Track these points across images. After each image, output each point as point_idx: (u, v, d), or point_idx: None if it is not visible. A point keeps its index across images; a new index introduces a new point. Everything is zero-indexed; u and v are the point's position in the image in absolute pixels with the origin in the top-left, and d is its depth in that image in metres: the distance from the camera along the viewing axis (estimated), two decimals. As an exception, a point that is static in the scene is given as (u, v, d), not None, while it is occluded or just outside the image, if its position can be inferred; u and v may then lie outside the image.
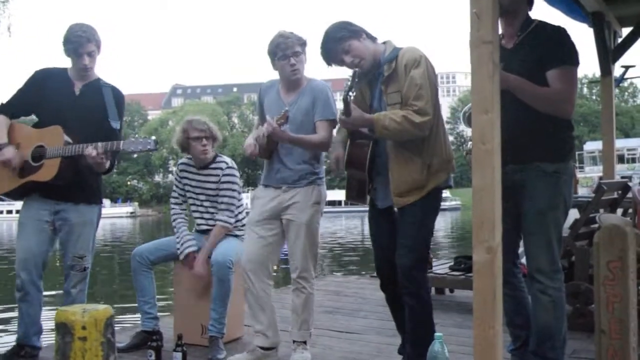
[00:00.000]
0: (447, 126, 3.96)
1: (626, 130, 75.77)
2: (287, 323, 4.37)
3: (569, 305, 4.68)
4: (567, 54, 3.36)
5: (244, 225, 4.67)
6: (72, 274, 4.31)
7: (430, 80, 3.56)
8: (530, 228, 3.44)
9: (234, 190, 4.73)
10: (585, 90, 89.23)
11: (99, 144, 4.00)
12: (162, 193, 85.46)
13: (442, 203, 3.90)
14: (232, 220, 4.67)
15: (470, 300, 3.02)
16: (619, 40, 6.26)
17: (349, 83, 3.55)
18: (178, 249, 4.68)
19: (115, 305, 3.25)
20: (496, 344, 2.79)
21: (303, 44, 4.10)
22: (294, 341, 4.19)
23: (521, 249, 3.66)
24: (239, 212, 4.77)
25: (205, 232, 4.80)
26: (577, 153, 63.38)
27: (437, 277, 6.08)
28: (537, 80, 3.31)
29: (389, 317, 4.14)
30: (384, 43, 3.77)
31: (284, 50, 4.02)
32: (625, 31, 6.27)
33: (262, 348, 4.18)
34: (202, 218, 4.82)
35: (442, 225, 34.73)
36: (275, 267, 4.39)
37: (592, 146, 60.19)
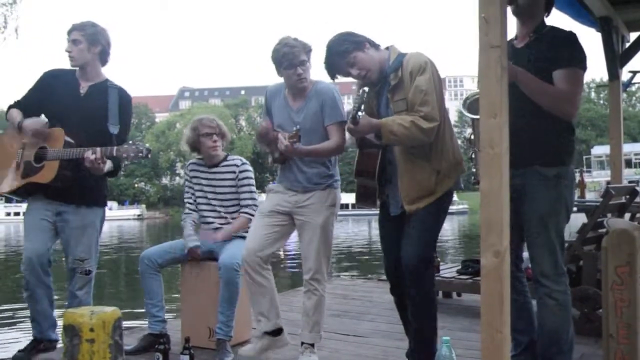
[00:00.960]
0: (455, 129, 3.95)
1: (634, 135, 75.56)
2: (297, 326, 4.37)
3: (577, 309, 4.67)
4: (576, 57, 3.37)
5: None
6: (76, 276, 4.35)
7: (436, 85, 3.56)
8: (532, 232, 3.45)
9: (252, 185, 4.81)
10: (592, 94, 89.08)
11: (98, 149, 4.03)
12: (169, 196, 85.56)
13: (450, 207, 3.90)
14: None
15: (477, 304, 3.02)
16: (627, 44, 6.26)
17: (357, 99, 3.52)
18: (184, 260, 4.75)
19: (123, 308, 3.25)
20: (504, 348, 2.79)
21: (309, 51, 4.08)
22: (302, 343, 4.19)
23: (527, 254, 3.66)
24: None
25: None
26: (584, 157, 63.58)
27: (445, 280, 6.07)
28: (543, 79, 3.32)
29: (396, 320, 4.14)
30: (387, 48, 3.75)
31: (291, 60, 3.99)
32: (633, 36, 6.27)
33: (267, 333, 4.17)
34: (209, 217, 4.83)
35: (450, 228, 34.70)
36: (281, 255, 4.40)
37: (600, 150, 60.07)
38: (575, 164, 3.74)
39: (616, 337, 3.13)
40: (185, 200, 4.96)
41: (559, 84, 3.31)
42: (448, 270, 6.53)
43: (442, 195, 3.64)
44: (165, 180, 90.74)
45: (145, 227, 54.79)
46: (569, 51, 3.36)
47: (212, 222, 4.80)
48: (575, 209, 6.40)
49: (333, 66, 3.69)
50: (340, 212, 4.27)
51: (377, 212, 3.97)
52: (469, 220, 46.77)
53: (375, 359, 4.45)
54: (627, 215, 5.54)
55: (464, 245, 24.90)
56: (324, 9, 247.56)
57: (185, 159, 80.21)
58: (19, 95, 4.50)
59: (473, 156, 3.49)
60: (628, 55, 6.23)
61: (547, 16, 3.56)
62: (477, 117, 3.22)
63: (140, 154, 4.01)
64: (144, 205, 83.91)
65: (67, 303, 4.40)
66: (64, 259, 4.42)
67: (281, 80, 4.18)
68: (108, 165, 4.21)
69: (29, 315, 4.46)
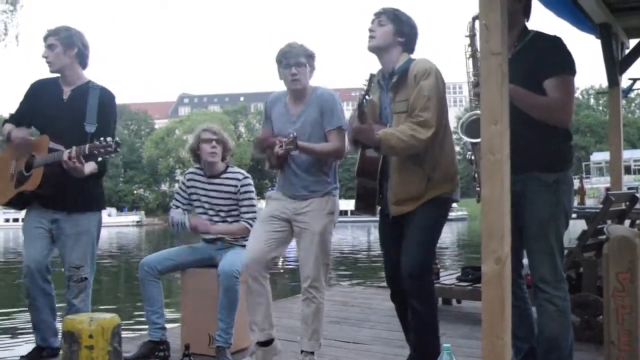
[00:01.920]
0: (453, 137, 3.96)
1: (633, 141, 75.59)
2: (296, 333, 4.36)
3: (577, 316, 4.66)
4: (564, 63, 3.38)
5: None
6: (72, 284, 4.32)
7: (439, 92, 3.57)
8: (531, 239, 3.45)
9: (253, 198, 4.80)
10: (592, 100, 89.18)
11: (73, 148, 4.01)
12: (169, 202, 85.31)
13: (449, 213, 3.89)
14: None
15: (477, 311, 3.01)
16: (627, 51, 6.27)
17: (366, 86, 3.54)
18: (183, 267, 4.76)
19: (123, 315, 3.25)
20: (505, 356, 2.78)
21: (309, 55, 4.11)
22: (302, 351, 4.17)
23: (526, 261, 3.66)
24: None
25: (211, 241, 4.81)
26: (583, 164, 63.55)
27: (444, 287, 6.06)
28: (534, 89, 3.32)
29: (396, 327, 4.13)
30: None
31: (288, 59, 4.05)
32: (633, 42, 6.28)
33: (260, 344, 4.16)
34: None
35: (449, 235, 34.67)
36: (280, 265, 4.40)
37: (599, 157, 60.08)
38: (574, 170, 3.75)
39: (617, 344, 3.13)
40: (175, 199, 4.91)
41: (550, 93, 3.32)
42: (448, 277, 6.52)
43: (433, 199, 3.65)
44: (164, 187, 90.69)
45: (145, 234, 54.71)
46: (557, 58, 3.38)
47: (210, 234, 4.80)
48: (574, 215, 6.42)
49: (387, 8, 3.78)
50: (339, 219, 4.26)
51: (376, 219, 3.97)
52: (468, 227, 46.76)
53: (376, 366, 4.44)
54: (627, 222, 5.53)
55: (463, 251, 24.88)
56: (324, 11, 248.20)
57: (184, 165, 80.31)
58: (18, 103, 4.55)
59: (476, 176, 3.48)
60: (627, 61, 6.24)
61: (527, 20, 3.56)
62: (476, 140, 3.24)
63: (109, 149, 3.97)
64: (143, 212, 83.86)
65: (66, 312, 4.32)
66: (63, 268, 4.40)
67: (283, 88, 4.21)
68: (91, 167, 4.17)
69: (33, 324, 4.44)
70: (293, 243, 4.33)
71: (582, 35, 5.85)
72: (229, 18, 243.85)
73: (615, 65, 6.02)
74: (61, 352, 3.00)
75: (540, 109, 3.31)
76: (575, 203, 10.77)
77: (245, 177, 4.80)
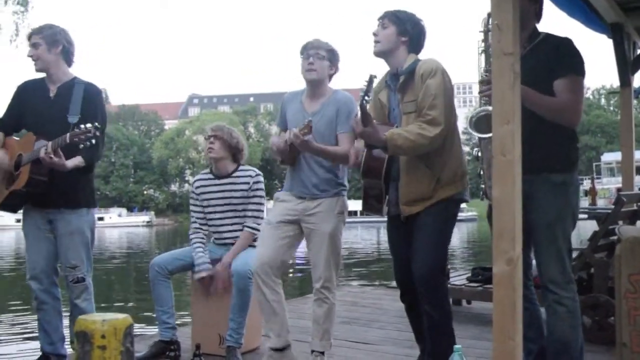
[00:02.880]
0: (463, 137, 3.95)
1: (644, 142, 75.12)
2: (306, 334, 4.36)
3: (588, 317, 4.65)
4: (574, 64, 3.37)
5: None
6: (70, 285, 4.25)
7: (446, 91, 3.57)
8: (540, 239, 3.43)
9: (262, 197, 4.78)
10: (603, 100, 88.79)
11: (49, 142, 3.96)
12: (178, 202, 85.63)
13: (459, 214, 3.88)
14: (260, 228, 4.65)
15: (487, 311, 3.01)
16: (639, 51, 6.23)
17: (365, 87, 3.53)
18: (194, 267, 4.70)
19: (133, 315, 3.25)
20: (516, 357, 2.77)
21: (331, 51, 4.09)
22: (312, 351, 4.17)
23: (534, 262, 3.64)
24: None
25: (225, 245, 4.78)
26: (594, 164, 63.26)
27: (455, 288, 6.04)
28: (543, 89, 3.31)
29: (406, 327, 4.12)
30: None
31: (308, 50, 4.05)
32: (645, 42, 6.24)
33: (275, 349, 4.14)
34: (221, 231, 4.80)
35: (459, 236, 34.62)
36: (290, 273, 4.38)
37: (610, 157, 59.73)
38: (584, 171, 3.74)
39: (629, 346, 3.12)
40: (193, 216, 4.88)
41: (560, 94, 3.31)
42: (458, 277, 6.50)
43: (442, 200, 3.64)
44: (174, 187, 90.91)
45: (155, 234, 54.87)
46: (567, 59, 3.36)
47: (226, 238, 4.77)
48: (585, 216, 6.39)
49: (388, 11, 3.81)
50: (348, 220, 4.25)
51: (385, 219, 3.96)
52: (478, 228, 46.64)
53: (386, 366, 4.44)
54: (639, 223, 5.50)
55: (473, 252, 24.83)
56: (336, 16, 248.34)
57: (194, 166, 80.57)
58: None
59: (481, 173, 3.47)
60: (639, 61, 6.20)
61: (538, 22, 3.56)
62: (485, 135, 3.23)
63: (89, 134, 3.90)
64: (152, 212, 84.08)
65: (69, 314, 4.27)
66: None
67: (292, 88, 4.20)
68: (76, 160, 4.09)
69: (40, 327, 4.36)
70: (302, 242, 4.32)
71: (593, 35, 5.82)
72: (239, 19, 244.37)
73: (627, 65, 5.99)
74: (73, 351, 3.01)
75: (550, 110, 3.31)
76: (587, 203, 10.74)
77: (258, 175, 4.80)
